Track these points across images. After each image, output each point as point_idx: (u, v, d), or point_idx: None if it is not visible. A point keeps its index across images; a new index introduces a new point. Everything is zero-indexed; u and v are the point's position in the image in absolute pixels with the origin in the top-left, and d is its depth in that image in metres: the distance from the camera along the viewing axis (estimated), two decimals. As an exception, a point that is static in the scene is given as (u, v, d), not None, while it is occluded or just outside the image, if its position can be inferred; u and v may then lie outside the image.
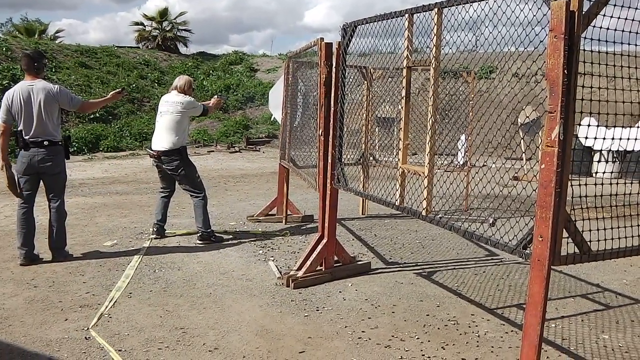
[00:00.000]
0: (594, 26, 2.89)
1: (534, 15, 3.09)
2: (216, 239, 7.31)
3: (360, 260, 6.40)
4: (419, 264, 6.61)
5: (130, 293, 5.39)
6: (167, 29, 33.93)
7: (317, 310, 5.07)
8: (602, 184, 3.33)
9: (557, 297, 5.51)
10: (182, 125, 7.22)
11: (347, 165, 6.25)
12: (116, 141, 19.53)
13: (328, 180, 5.84)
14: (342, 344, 4.36)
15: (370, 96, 8.70)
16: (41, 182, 6.26)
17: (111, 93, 6.91)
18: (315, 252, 5.86)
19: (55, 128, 6.18)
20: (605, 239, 3.19)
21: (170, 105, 7.20)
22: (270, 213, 8.84)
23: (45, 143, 6.10)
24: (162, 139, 7.13)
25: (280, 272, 6.04)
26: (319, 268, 5.89)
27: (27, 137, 6.08)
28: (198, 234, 7.31)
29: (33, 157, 6.08)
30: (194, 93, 7.60)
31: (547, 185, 2.82)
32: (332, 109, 5.70)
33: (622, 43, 3.12)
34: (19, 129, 6.12)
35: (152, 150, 7.23)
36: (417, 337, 4.51)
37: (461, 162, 9.63)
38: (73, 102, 6.41)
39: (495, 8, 3.32)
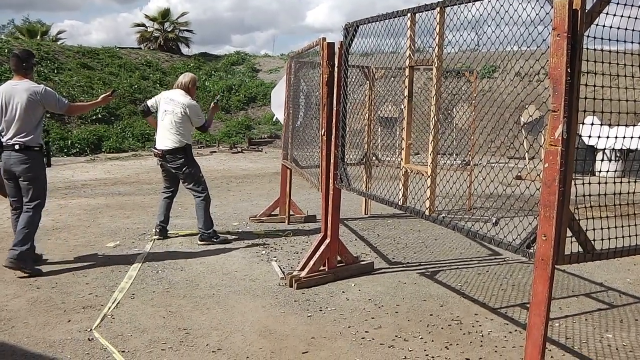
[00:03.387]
0: (597, 24, 2.89)
1: (537, 14, 3.08)
2: (218, 240, 7.29)
3: (363, 260, 6.39)
4: (422, 263, 6.60)
5: (133, 294, 5.39)
6: (169, 29, 33.87)
7: (321, 310, 5.06)
8: (606, 182, 3.32)
9: (560, 296, 5.50)
10: (187, 124, 7.17)
11: (350, 165, 6.25)
12: (118, 142, 19.55)
13: (331, 180, 5.83)
14: (345, 344, 4.35)
15: (373, 96, 8.69)
16: None
17: (101, 96, 6.65)
18: (318, 253, 5.85)
19: (33, 131, 5.86)
20: (609, 238, 3.19)
21: (175, 105, 7.14)
22: (272, 213, 8.83)
23: (16, 147, 5.80)
24: (166, 138, 7.11)
25: (284, 273, 6.04)
26: (322, 268, 5.88)
27: (3, 138, 5.88)
28: (199, 235, 7.32)
29: (7, 160, 5.85)
30: (197, 92, 7.50)
31: (551, 184, 2.81)
32: (335, 108, 5.69)
33: (625, 42, 3.11)
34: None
35: (156, 149, 7.22)
36: (420, 337, 4.51)
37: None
38: (59, 104, 6.11)
39: (497, 7, 3.31)
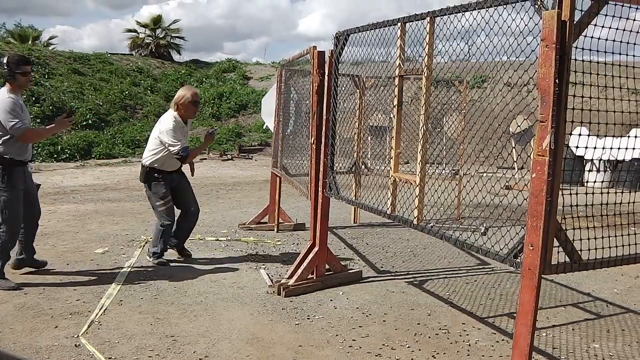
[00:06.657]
0: (586, 36, 2.91)
1: (526, 25, 3.10)
2: (157, 261, 6.58)
3: (351, 269, 6.40)
4: (410, 272, 6.61)
5: (121, 300, 5.36)
6: (161, 36, 33.82)
7: (308, 318, 5.05)
8: (593, 193, 3.34)
9: (548, 306, 5.52)
10: (160, 146, 6.42)
11: (339, 174, 6.25)
12: (108, 148, 19.45)
13: (320, 189, 5.83)
14: (332, 352, 4.35)
15: (363, 105, 8.71)
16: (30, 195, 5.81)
17: (57, 119, 5.82)
18: (307, 261, 5.85)
19: None
20: (596, 248, 3.20)
21: (160, 122, 6.59)
22: (262, 221, 8.82)
23: None
24: (144, 152, 6.63)
25: (272, 280, 6.02)
26: (310, 276, 5.87)
27: None
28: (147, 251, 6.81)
29: None
30: (192, 108, 6.62)
31: (538, 194, 2.82)
32: (324, 117, 5.70)
33: (613, 53, 3.14)
34: None
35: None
36: (408, 345, 4.51)
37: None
38: (9, 124, 5.41)
39: (487, 17, 3.34)
